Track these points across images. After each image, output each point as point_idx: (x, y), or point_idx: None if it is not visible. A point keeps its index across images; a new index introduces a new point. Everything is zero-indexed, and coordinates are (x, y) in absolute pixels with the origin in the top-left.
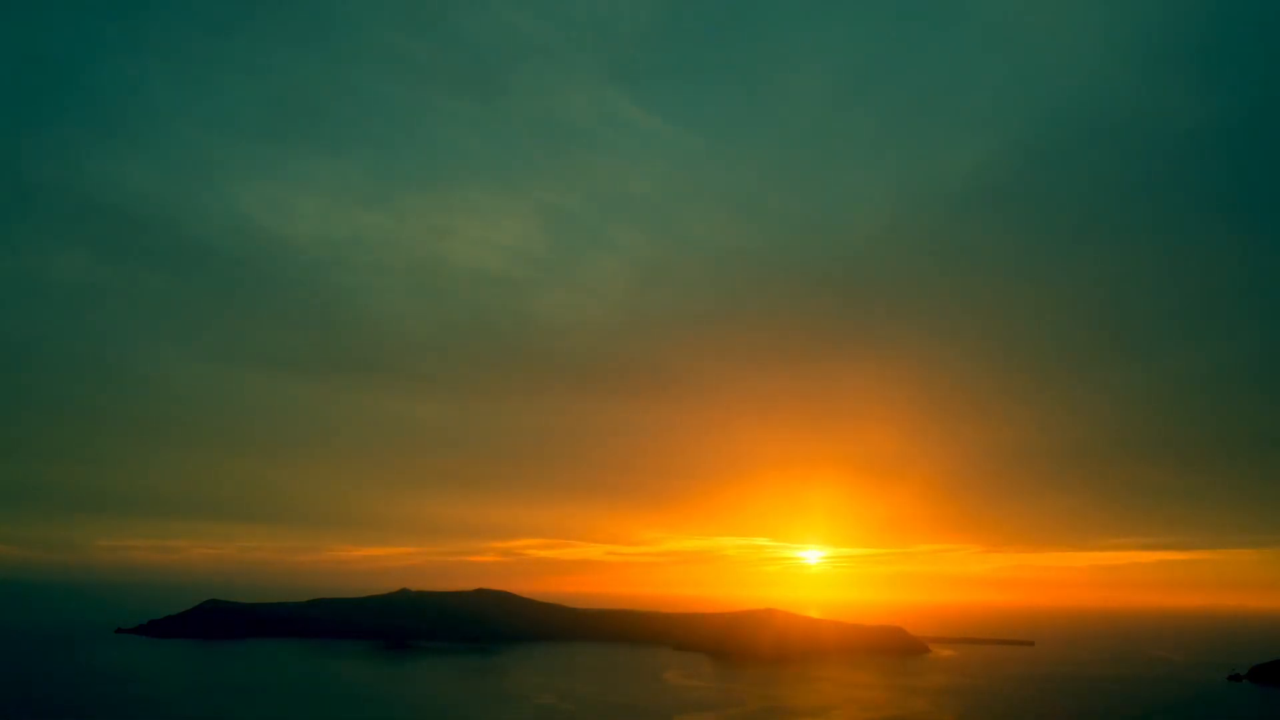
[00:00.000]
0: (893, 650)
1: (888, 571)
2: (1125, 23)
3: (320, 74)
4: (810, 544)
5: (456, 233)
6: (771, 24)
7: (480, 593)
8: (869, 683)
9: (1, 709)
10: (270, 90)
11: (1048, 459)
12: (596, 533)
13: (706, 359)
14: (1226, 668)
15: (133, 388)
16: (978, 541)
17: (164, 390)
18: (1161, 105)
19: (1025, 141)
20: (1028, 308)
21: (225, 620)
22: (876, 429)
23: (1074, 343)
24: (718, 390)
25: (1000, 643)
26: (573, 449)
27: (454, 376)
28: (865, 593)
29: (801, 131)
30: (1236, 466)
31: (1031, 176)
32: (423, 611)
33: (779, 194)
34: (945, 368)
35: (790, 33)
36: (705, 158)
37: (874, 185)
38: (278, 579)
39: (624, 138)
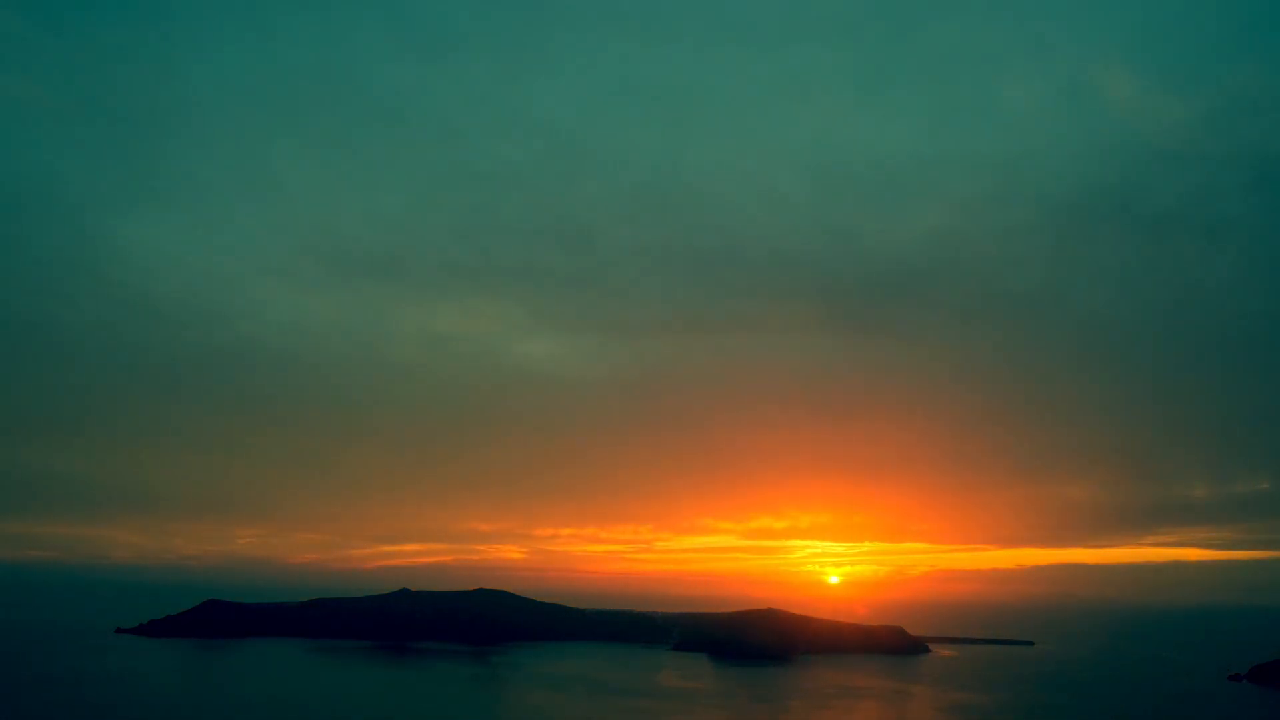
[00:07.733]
0: (893, 649)
1: (889, 571)
2: None
3: None
4: (854, 540)
5: None
6: None
7: (480, 592)
8: (868, 683)
9: (2, 709)
10: None
11: (1050, 458)
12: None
13: None
14: (1226, 668)
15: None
16: (978, 540)
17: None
18: None
19: None
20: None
21: (225, 620)
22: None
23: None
24: None
25: (1000, 642)
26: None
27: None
28: (865, 591)
29: None
30: (1240, 469)
31: None
32: (422, 611)
33: None
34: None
35: None
36: None
37: None
38: (278, 579)
39: None
